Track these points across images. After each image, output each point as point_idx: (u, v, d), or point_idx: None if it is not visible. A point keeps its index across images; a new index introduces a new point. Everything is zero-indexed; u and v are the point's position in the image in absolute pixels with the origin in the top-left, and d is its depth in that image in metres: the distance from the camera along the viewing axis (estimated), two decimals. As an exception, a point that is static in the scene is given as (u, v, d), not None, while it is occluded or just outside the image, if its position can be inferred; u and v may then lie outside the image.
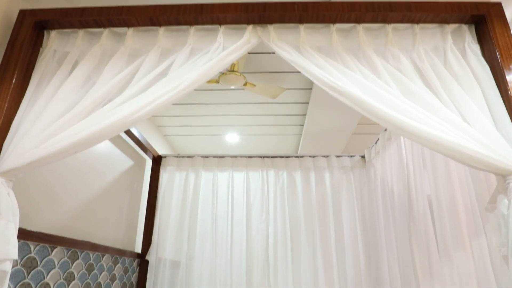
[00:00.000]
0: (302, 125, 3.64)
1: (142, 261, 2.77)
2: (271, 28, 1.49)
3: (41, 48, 1.53)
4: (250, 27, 1.49)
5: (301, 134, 3.84)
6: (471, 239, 1.61)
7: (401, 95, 1.32)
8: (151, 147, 2.93)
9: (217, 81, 2.80)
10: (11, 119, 1.33)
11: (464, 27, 1.52)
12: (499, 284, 1.42)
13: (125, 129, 1.29)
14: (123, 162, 2.67)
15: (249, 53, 2.63)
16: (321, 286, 2.64)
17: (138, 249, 2.86)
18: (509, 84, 1.35)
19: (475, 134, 1.24)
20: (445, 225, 1.75)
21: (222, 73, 2.70)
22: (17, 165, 1.21)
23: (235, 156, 3.05)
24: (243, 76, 2.66)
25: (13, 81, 1.37)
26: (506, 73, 1.37)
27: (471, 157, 1.20)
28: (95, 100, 1.32)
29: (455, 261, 1.66)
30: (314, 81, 1.36)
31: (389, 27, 1.49)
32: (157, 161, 3.08)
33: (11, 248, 1.17)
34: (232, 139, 4.09)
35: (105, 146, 2.40)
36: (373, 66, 1.40)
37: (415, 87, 1.35)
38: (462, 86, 1.37)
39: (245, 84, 2.74)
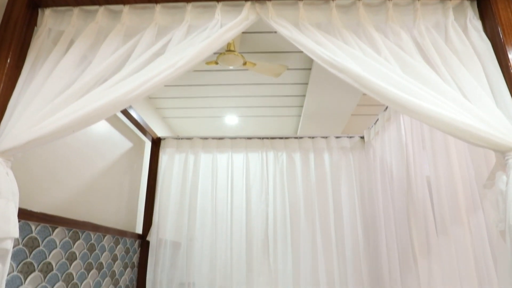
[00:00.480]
0: (301, 106, 3.62)
1: (143, 241, 2.81)
2: (269, 4, 1.46)
3: (35, 27, 1.50)
4: (248, 3, 1.46)
5: (300, 116, 3.82)
6: (469, 218, 1.63)
7: (401, 72, 1.30)
8: (150, 129, 2.93)
9: (216, 62, 2.76)
10: (7, 99, 1.32)
11: (466, 2, 1.49)
12: (496, 259, 1.43)
13: (123, 107, 1.28)
14: (123, 144, 2.67)
15: (246, 32, 2.60)
16: (320, 265, 2.68)
17: (139, 230, 2.89)
18: (510, 61, 1.34)
19: (475, 110, 1.23)
20: (443, 205, 1.76)
21: (220, 53, 2.67)
22: (15, 145, 1.20)
23: (234, 138, 3.05)
24: (242, 55, 2.63)
25: (8, 61, 1.35)
26: (507, 49, 1.36)
27: (470, 133, 1.20)
28: (91, 79, 1.30)
29: (452, 238, 1.68)
30: (314, 58, 1.34)
31: (390, 3, 1.46)
32: (156, 143, 3.07)
33: (12, 227, 1.17)
34: (231, 121, 4.08)
35: (105, 128, 2.39)
36: (373, 42, 1.38)
37: (415, 63, 1.33)
38: (463, 63, 1.36)
39: (244, 63, 2.71)
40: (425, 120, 1.25)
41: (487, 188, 1.37)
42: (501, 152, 1.23)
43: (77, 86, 1.30)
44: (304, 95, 3.42)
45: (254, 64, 2.75)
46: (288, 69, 3.02)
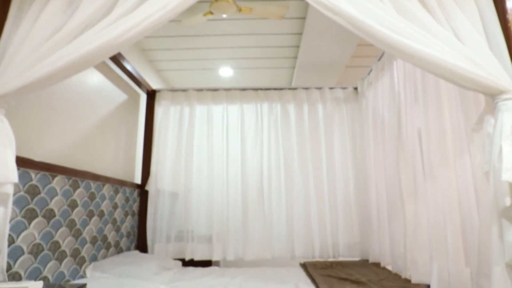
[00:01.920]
0: (296, 57, 3.57)
1: (142, 191, 2.89)
2: None
3: (18, -30, 1.43)
4: None
5: (294, 67, 3.78)
6: (456, 162, 1.67)
7: (396, 14, 1.28)
8: (145, 81, 2.90)
9: (211, 12, 2.67)
10: (-5, 45, 1.29)
11: None
12: (478, 200, 1.50)
13: (114, 52, 1.27)
14: (118, 96, 2.65)
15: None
16: (313, 211, 2.80)
17: (138, 180, 2.95)
18: (506, 4, 1.32)
19: (468, 53, 1.23)
20: (432, 152, 1.80)
21: (212, 2, 2.58)
22: (6, 91, 1.20)
23: (229, 89, 3.04)
24: (234, 2, 2.54)
25: (-8, 5, 1.31)
26: (504, -10, 1.33)
27: (461, 76, 1.21)
28: (81, 22, 1.27)
29: (439, 182, 1.74)
30: (308, 0, 1.31)
31: None
32: (151, 95, 3.06)
33: (11, 172, 1.20)
34: (225, 73, 4.03)
35: (99, 80, 2.37)
36: (368, -17, 1.34)
37: (410, 5, 1.31)
38: (459, 5, 1.33)
39: (239, 10, 2.63)
40: (418, 62, 1.25)
41: (475, 131, 1.40)
42: (491, 95, 1.25)
43: (66, 31, 1.27)
44: (298, 46, 3.36)
45: (251, 9, 2.65)
46: (282, 18, 2.94)
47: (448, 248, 1.63)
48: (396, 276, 2.10)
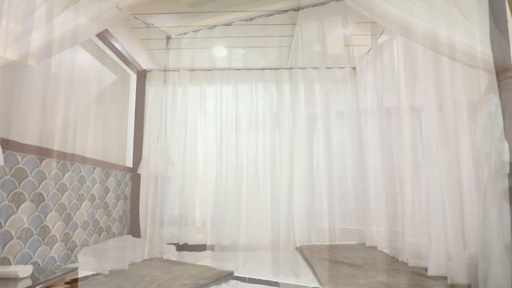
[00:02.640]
0: (292, 36, 3.47)
1: (134, 175, 2.83)
2: None
3: None
4: None
5: (290, 46, 3.68)
6: (457, 144, 1.63)
7: (399, -13, 1.21)
8: (135, 61, 2.80)
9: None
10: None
11: None
12: (478, 181, 1.47)
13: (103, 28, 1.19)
14: (107, 76, 2.56)
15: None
16: (309, 194, 2.76)
17: (130, 163, 2.89)
18: (514, -25, 1.25)
19: (471, 29, 1.18)
20: (432, 133, 1.75)
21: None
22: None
23: (223, 69, 2.96)
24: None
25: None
26: (513, -38, 1.26)
27: (464, 53, 1.16)
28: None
29: (438, 164, 1.70)
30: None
31: None
32: (142, 75, 2.97)
33: (-6, 154, 1.15)
34: (219, 52, 3.92)
35: (87, 59, 2.27)
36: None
37: (413, -23, 1.24)
38: (464, -23, 1.26)
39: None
40: (420, 39, 1.20)
41: (477, 111, 1.36)
42: (494, 73, 1.21)
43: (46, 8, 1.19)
44: (294, 24, 3.26)
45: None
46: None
47: (447, 231, 1.61)
48: (393, 260, 2.09)
